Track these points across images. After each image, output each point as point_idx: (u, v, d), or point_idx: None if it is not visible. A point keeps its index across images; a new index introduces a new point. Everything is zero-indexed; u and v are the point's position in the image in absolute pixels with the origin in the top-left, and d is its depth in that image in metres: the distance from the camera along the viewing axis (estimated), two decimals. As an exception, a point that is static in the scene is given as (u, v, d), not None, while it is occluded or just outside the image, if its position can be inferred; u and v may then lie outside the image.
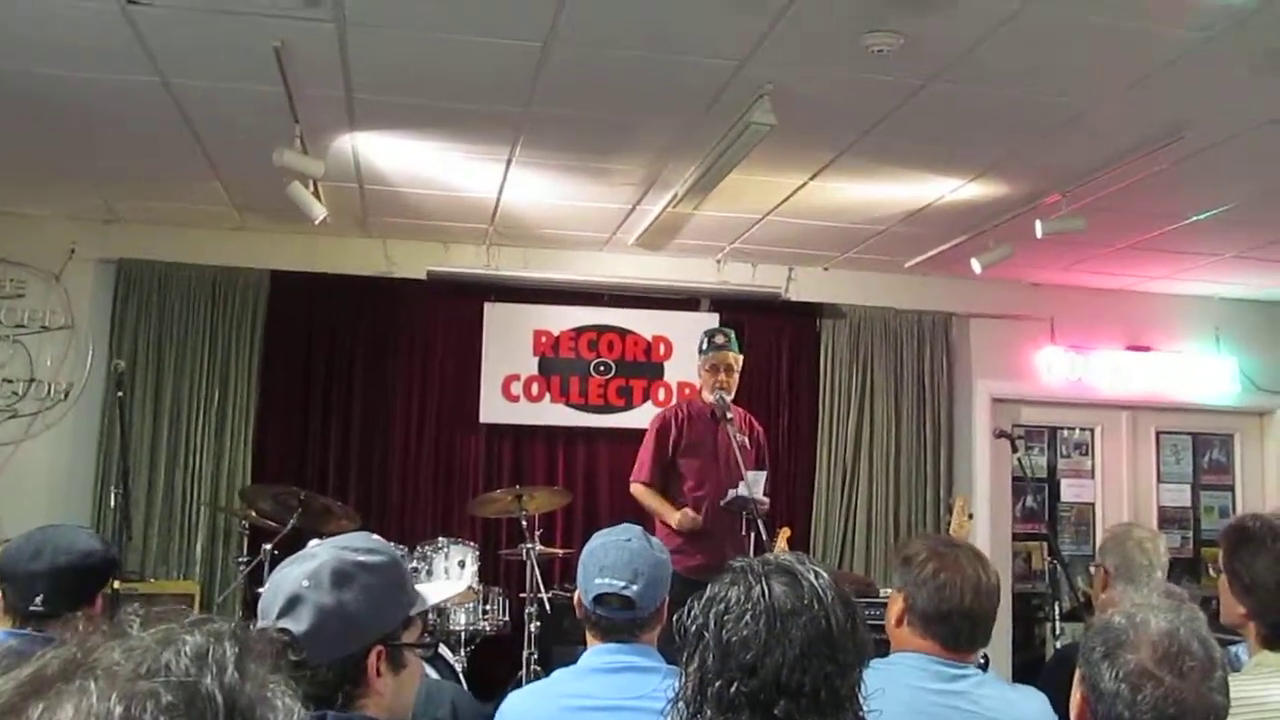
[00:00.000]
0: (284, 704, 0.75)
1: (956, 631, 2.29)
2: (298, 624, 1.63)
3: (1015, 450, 5.61)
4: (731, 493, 4.96)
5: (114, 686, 0.68)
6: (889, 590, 2.42)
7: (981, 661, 2.36)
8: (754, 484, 4.85)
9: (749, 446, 5.25)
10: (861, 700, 1.58)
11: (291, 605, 1.66)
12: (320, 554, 1.72)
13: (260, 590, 1.78)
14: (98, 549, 2.67)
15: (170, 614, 0.77)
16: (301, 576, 1.68)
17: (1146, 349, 7.70)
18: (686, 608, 1.63)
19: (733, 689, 1.53)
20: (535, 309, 6.97)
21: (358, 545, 1.77)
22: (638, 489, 5.37)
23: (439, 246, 6.79)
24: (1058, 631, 5.02)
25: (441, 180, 5.57)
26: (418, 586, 1.87)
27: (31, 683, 0.69)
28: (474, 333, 6.87)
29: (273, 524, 5.51)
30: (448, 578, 5.63)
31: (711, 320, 6.74)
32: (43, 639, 2.34)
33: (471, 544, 5.96)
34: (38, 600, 2.49)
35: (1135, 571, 3.30)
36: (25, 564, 2.54)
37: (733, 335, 5.45)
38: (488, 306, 6.89)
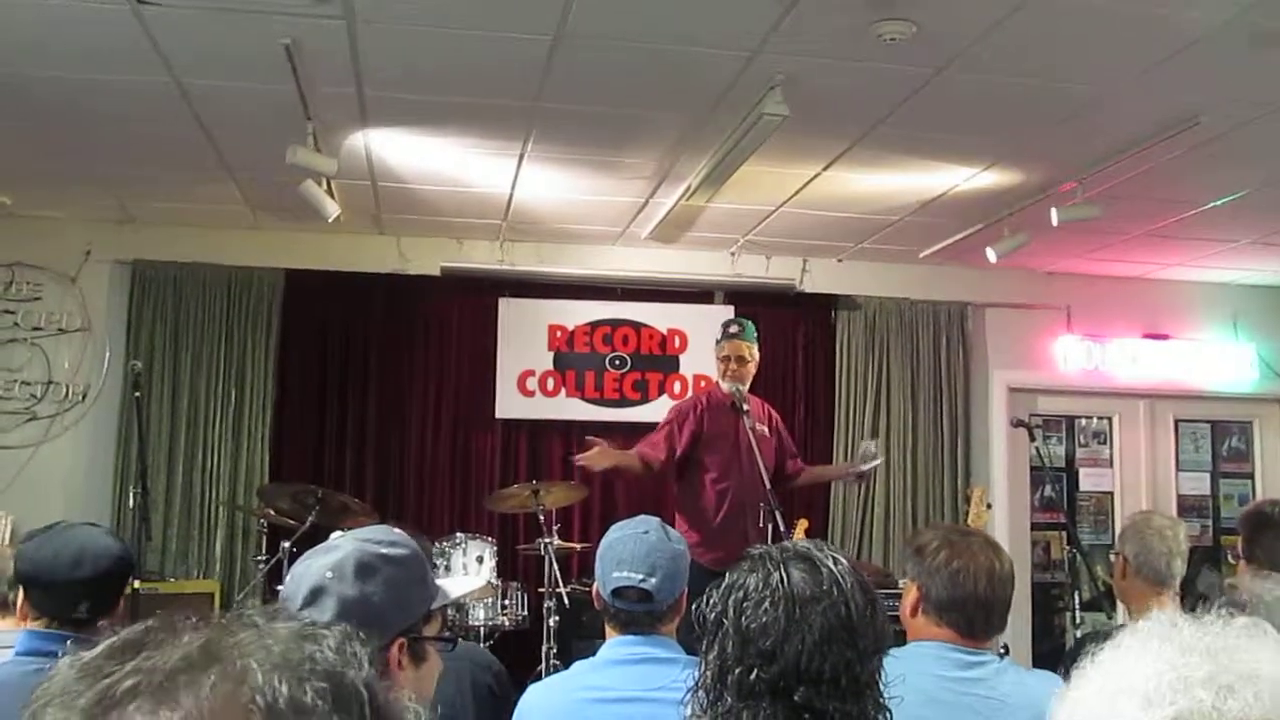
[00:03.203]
0: (410, 704, 0.78)
1: (971, 619, 2.29)
2: (321, 615, 1.63)
3: (1033, 440, 5.60)
4: (871, 449, 5.51)
5: (275, 670, 0.70)
6: (905, 581, 2.42)
7: (1002, 651, 2.35)
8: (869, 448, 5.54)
9: (769, 435, 5.24)
10: (881, 687, 1.58)
11: (315, 596, 1.66)
12: (343, 546, 1.73)
13: (279, 588, 1.78)
14: (123, 549, 2.64)
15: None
16: (325, 568, 1.69)
17: (1164, 337, 7.66)
18: (705, 596, 1.63)
19: (752, 676, 1.53)
20: (550, 304, 6.98)
21: (380, 538, 1.77)
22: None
23: (453, 243, 6.80)
24: (1078, 620, 4.99)
25: (454, 176, 5.57)
26: (438, 581, 1.87)
27: (190, 657, 0.70)
28: (489, 328, 6.88)
29: (291, 522, 5.53)
30: (466, 573, 5.64)
31: (726, 313, 6.69)
32: (76, 641, 2.34)
33: (489, 539, 5.96)
34: (82, 609, 2.46)
35: (1154, 560, 3.29)
36: (67, 573, 2.48)
37: (749, 325, 5.40)
38: (502, 302, 6.90)
